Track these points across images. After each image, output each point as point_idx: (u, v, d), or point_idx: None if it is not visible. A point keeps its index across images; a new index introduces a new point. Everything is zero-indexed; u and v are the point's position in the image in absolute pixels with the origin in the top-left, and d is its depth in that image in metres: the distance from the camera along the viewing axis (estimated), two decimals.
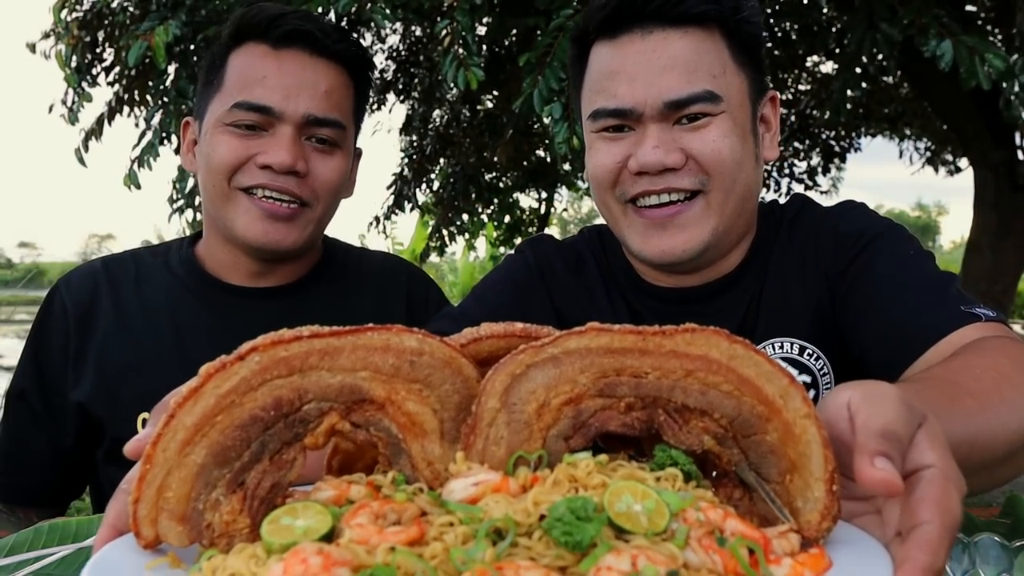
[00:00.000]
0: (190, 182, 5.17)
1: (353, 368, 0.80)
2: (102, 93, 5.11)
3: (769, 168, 8.32)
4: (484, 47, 6.13)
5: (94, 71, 4.97)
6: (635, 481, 0.71)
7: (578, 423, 0.79)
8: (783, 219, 1.54)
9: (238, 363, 0.79)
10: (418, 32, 6.66)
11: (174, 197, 5.45)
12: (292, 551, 0.64)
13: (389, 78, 7.14)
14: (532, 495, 0.68)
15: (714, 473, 0.79)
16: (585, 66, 1.44)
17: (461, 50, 3.07)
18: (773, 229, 1.53)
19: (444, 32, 3.08)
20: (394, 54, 7.13)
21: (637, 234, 1.40)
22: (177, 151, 4.60)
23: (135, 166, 4.81)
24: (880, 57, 4.65)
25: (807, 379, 1.42)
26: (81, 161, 4.93)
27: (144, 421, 1.54)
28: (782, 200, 1.63)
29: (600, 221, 1.64)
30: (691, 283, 1.50)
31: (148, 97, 4.87)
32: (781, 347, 1.43)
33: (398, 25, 6.65)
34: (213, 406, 0.79)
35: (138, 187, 4.79)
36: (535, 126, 7.51)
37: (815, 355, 1.42)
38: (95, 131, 5.04)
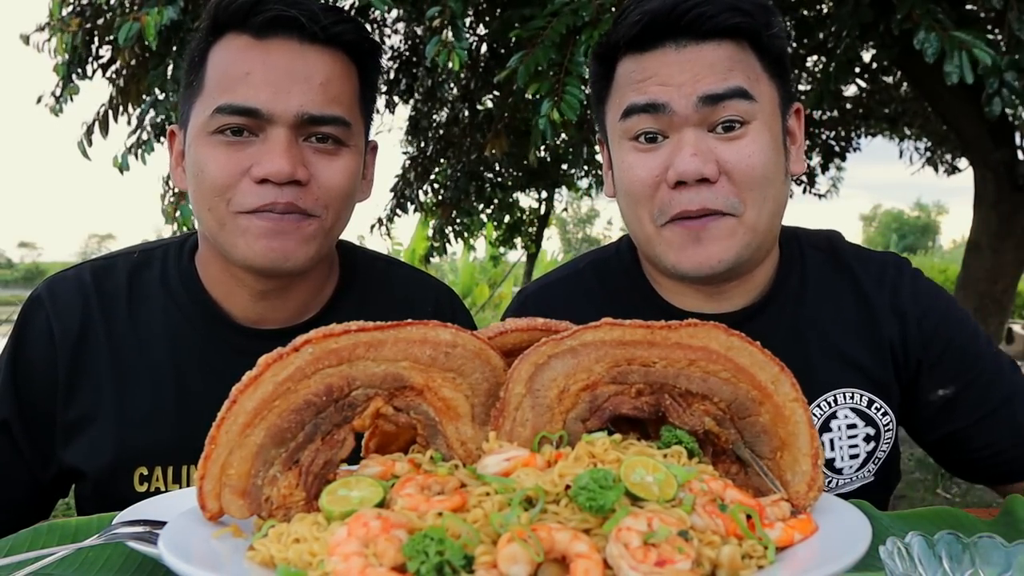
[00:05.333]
0: None
1: (395, 358, 0.90)
2: (98, 88, 5.05)
3: None
4: (484, 46, 6.20)
5: (87, 66, 4.88)
6: (646, 456, 0.81)
7: (594, 407, 0.89)
8: (816, 251, 1.54)
9: (293, 354, 0.90)
10: (419, 32, 6.71)
11: (167, 200, 5.46)
12: (354, 516, 0.74)
13: (391, 78, 7.20)
14: (558, 468, 0.79)
15: (712, 450, 0.89)
16: (610, 82, 1.42)
17: (450, 35, 3.04)
18: (796, 260, 1.53)
19: (435, 18, 3.08)
20: (396, 54, 7.19)
21: (672, 249, 1.37)
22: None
23: (128, 151, 4.85)
24: (872, 49, 4.70)
25: (871, 431, 1.45)
26: (84, 154, 4.89)
27: (142, 476, 1.44)
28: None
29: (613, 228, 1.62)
30: (719, 310, 1.49)
31: (150, 88, 4.78)
32: (852, 397, 1.45)
33: (400, 25, 6.71)
34: (271, 392, 0.89)
35: (126, 169, 4.84)
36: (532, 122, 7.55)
37: (883, 410, 1.46)
38: (99, 123, 4.95)
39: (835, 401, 1.44)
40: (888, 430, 1.47)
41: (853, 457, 1.45)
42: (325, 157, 1.39)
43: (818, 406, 1.43)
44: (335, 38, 1.40)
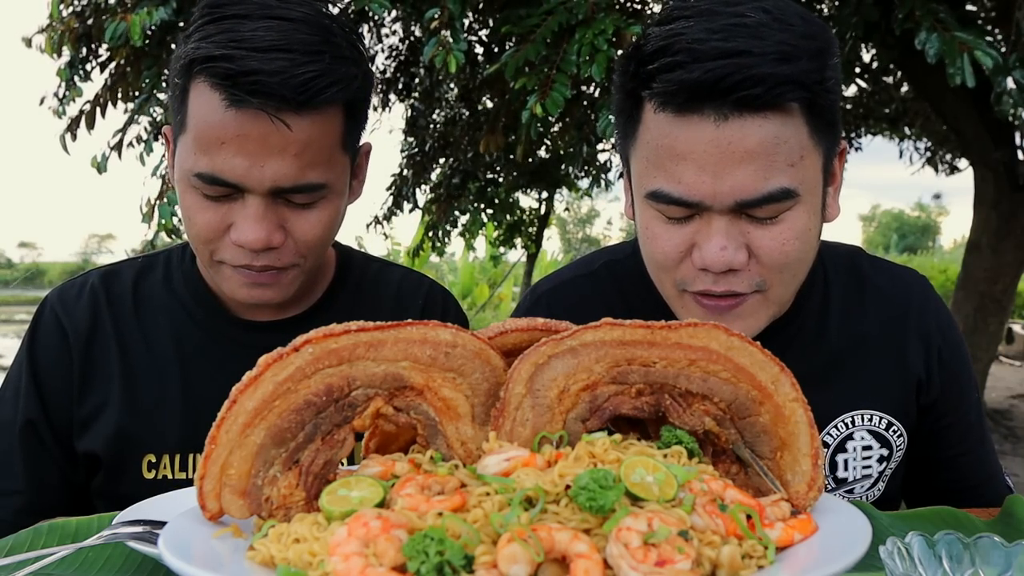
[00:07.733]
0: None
1: (395, 358, 0.90)
2: (95, 87, 5.05)
3: None
4: (484, 49, 6.21)
5: (88, 66, 4.80)
6: (646, 456, 0.81)
7: (594, 407, 0.90)
8: (838, 269, 1.51)
9: (293, 354, 0.90)
10: (417, 32, 6.71)
11: (144, 201, 5.42)
12: (354, 516, 0.74)
13: (389, 77, 7.20)
14: (558, 468, 0.79)
15: (712, 450, 0.89)
16: (637, 123, 1.28)
17: (448, 36, 3.03)
18: (819, 279, 1.48)
19: (433, 19, 3.08)
20: (394, 54, 7.19)
21: (693, 318, 1.28)
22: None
23: (108, 151, 4.80)
24: (873, 49, 4.70)
25: (885, 452, 1.44)
26: (65, 149, 4.90)
27: (150, 463, 1.51)
28: None
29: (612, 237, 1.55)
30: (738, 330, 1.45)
31: (144, 84, 4.73)
32: (870, 419, 1.43)
33: (398, 26, 6.71)
34: (271, 392, 0.89)
35: (104, 171, 4.83)
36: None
37: (899, 432, 1.44)
38: (86, 119, 4.89)
39: (853, 423, 1.42)
40: (900, 449, 1.46)
41: (866, 477, 1.44)
42: (302, 211, 1.40)
43: (835, 427, 1.41)
44: (319, 103, 1.31)
